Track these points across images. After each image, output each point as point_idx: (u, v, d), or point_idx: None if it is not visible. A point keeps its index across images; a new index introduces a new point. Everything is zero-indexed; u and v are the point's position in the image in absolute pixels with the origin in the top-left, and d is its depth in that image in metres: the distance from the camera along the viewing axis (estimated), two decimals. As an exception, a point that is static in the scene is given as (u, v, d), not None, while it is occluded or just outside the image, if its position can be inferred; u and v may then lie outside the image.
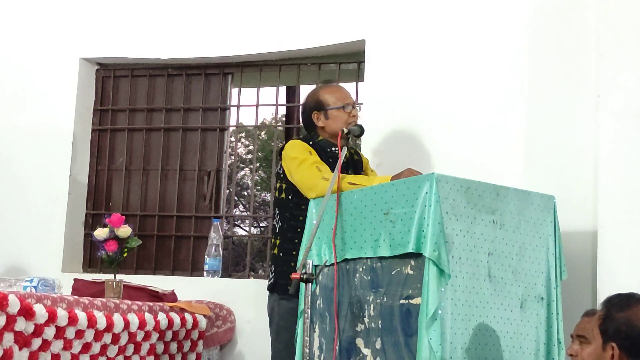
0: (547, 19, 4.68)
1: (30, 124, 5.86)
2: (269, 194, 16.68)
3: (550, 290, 3.73)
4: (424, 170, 4.18)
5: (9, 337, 3.48)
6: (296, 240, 4.20)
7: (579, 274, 4.16)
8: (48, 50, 5.94)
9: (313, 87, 5.11)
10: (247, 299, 5.10)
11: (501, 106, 4.78)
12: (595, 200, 4.22)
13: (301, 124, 4.63)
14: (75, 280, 4.85)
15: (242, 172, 17.01)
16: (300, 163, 4.19)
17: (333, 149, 4.34)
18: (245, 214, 15.68)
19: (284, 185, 4.34)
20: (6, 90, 5.97)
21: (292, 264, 4.19)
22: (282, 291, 4.27)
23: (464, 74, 4.93)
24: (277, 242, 4.37)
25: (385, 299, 3.55)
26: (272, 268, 4.40)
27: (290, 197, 4.30)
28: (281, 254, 4.32)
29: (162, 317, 4.43)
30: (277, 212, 4.41)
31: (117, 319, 4.08)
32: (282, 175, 4.35)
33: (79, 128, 5.87)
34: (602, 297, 3.64)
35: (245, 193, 16.23)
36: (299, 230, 4.19)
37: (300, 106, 4.63)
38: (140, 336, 4.26)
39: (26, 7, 6.03)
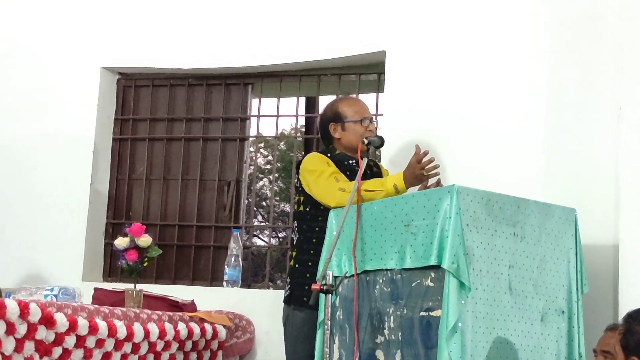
0: (567, 31, 4.68)
1: (52, 132, 5.88)
2: (287, 205, 16.67)
3: (571, 304, 3.72)
4: (444, 183, 4.19)
5: (29, 346, 3.49)
6: (311, 251, 4.23)
7: (600, 288, 4.14)
8: (70, 60, 5.97)
9: (333, 98, 5.12)
10: (266, 310, 5.10)
11: (521, 118, 4.77)
12: (616, 213, 4.20)
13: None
14: (95, 289, 4.87)
15: (261, 183, 17.04)
16: (319, 175, 4.21)
17: (351, 161, 4.34)
18: (264, 224, 15.69)
19: (301, 198, 4.37)
20: (28, 99, 6.00)
21: (308, 275, 4.21)
22: (297, 302, 4.29)
23: (484, 86, 4.92)
24: (294, 254, 4.39)
25: (405, 310, 3.54)
26: (289, 280, 4.43)
27: (308, 209, 4.32)
28: (297, 266, 4.34)
29: (181, 327, 4.43)
30: (296, 224, 4.43)
31: (137, 328, 4.09)
32: (300, 189, 4.37)
33: (99, 137, 5.89)
34: (623, 310, 3.63)
35: (264, 203, 16.25)
36: (314, 240, 4.22)
37: (318, 117, 4.65)
38: (160, 346, 4.27)
39: (48, 16, 6.06)
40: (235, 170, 5.79)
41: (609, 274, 4.20)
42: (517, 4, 4.91)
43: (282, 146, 15.16)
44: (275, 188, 12.00)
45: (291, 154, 6.96)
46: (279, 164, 14.34)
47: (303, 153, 5.83)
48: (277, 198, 16.02)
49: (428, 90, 5.05)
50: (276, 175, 10.80)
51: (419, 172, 4.00)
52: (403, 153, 4.96)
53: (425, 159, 4.01)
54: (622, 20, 4.36)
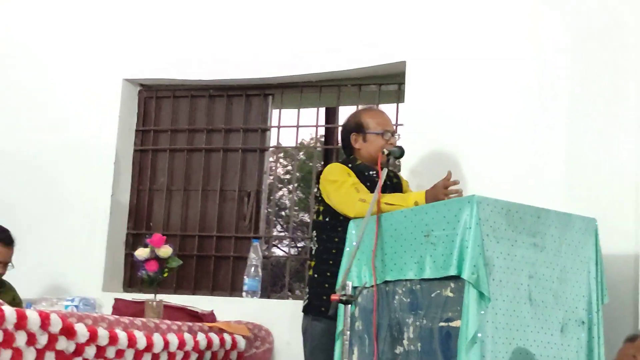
0: (588, 41, 4.66)
1: (74, 143, 5.91)
2: (307, 215, 16.66)
3: (591, 314, 3.69)
4: (464, 193, 4.18)
5: (50, 356, 3.51)
6: (331, 262, 4.23)
7: (620, 298, 4.11)
8: (92, 71, 6.01)
9: (353, 108, 5.13)
10: (285, 320, 5.09)
11: (542, 128, 4.75)
12: (637, 223, 4.19)
13: (340, 145, 4.65)
14: (115, 299, 4.89)
15: (280, 193, 17.06)
16: (340, 185, 4.22)
17: (371, 172, 4.35)
18: (283, 234, 15.71)
19: (321, 208, 4.37)
20: (50, 110, 6.04)
21: (326, 285, 4.21)
22: (316, 312, 4.30)
23: (504, 96, 4.91)
24: (313, 264, 4.40)
25: (424, 321, 3.53)
26: (307, 289, 4.44)
27: (327, 219, 4.33)
28: (316, 276, 4.35)
29: (201, 337, 4.44)
30: (315, 234, 4.43)
31: (157, 338, 4.10)
32: (319, 198, 4.38)
33: (121, 148, 5.92)
34: (644, 321, 3.62)
35: (283, 213, 16.26)
36: (333, 251, 4.22)
37: (341, 127, 4.66)
38: (179, 356, 4.27)
39: (71, 28, 6.11)
40: (256, 181, 5.81)
41: (629, 285, 4.18)
42: (539, 13, 4.89)
43: (301, 156, 15.16)
44: (295, 198, 12.02)
45: (310, 164, 6.96)
46: (298, 174, 14.38)
47: (322, 163, 5.83)
48: (297, 208, 16.03)
49: (448, 101, 5.04)
50: (295, 185, 10.82)
51: (442, 197, 3.97)
52: (423, 163, 4.97)
53: (452, 188, 4.00)
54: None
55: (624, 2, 4.55)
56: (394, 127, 4.67)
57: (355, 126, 4.46)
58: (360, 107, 5.24)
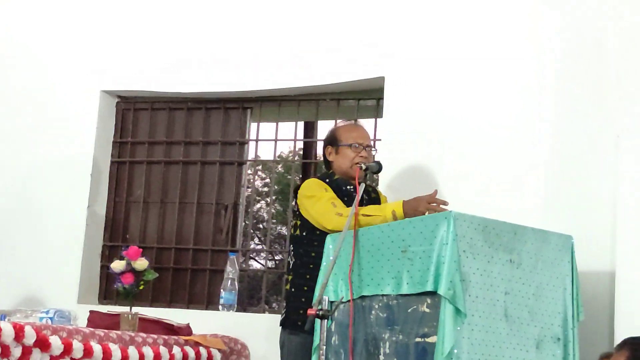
0: (569, 60, 4.68)
1: (51, 155, 5.90)
2: (284, 228, 16.66)
3: (567, 331, 3.71)
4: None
5: (24, 369, 3.49)
6: (308, 276, 4.23)
7: (596, 315, 4.13)
8: (69, 83, 5.99)
9: (332, 122, 5.14)
10: (261, 334, 5.08)
11: (520, 145, 4.77)
12: (613, 241, 4.20)
13: (319, 159, 4.65)
14: (91, 312, 4.85)
15: (258, 205, 17.04)
16: (317, 200, 4.23)
17: (349, 187, 4.35)
18: (261, 247, 15.69)
19: (298, 222, 4.38)
20: (27, 122, 6.02)
21: (303, 300, 4.22)
22: (292, 326, 4.30)
23: (483, 112, 4.93)
24: (290, 277, 4.40)
25: (401, 336, 3.53)
26: (285, 304, 4.45)
27: (304, 234, 4.33)
28: (293, 290, 4.35)
29: (176, 350, 4.41)
30: (292, 248, 4.44)
31: (132, 352, 4.08)
32: (297, 213, 4.38)
33: (98, 160, 5.90)
34: (619, 338, 3.63)
35: (261, 226, 16.25)
36: (310, 266, 4.22)
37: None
38: (154, 369, 4.25)
39: (49, 40, 6.09)
40: (233, 194, 5.80)
41: (605, 302, 4.19)
42: (519, 32, 4.92)
43: (279, 169, 15.17)
44: (273, 211, 12.02)
45: (289, 177, 6.96)
46: (276, 187, 14.38)
47: (301, 177, 5.83)
48: (274, 221, 16.02)
49: (426, 116, 5.06)
50: (273, 198, 10.82)
51: (423, 209, 3.95)
52: (401, 178, 4.98)
53: (440, 207, 3.95)
54: (621, 48, 4.37)
55: (623, 2, 4.54)
56: (371, 141, 4.67)
57: (329, 139, 4.52)
58: (339, 121, 5.26)
